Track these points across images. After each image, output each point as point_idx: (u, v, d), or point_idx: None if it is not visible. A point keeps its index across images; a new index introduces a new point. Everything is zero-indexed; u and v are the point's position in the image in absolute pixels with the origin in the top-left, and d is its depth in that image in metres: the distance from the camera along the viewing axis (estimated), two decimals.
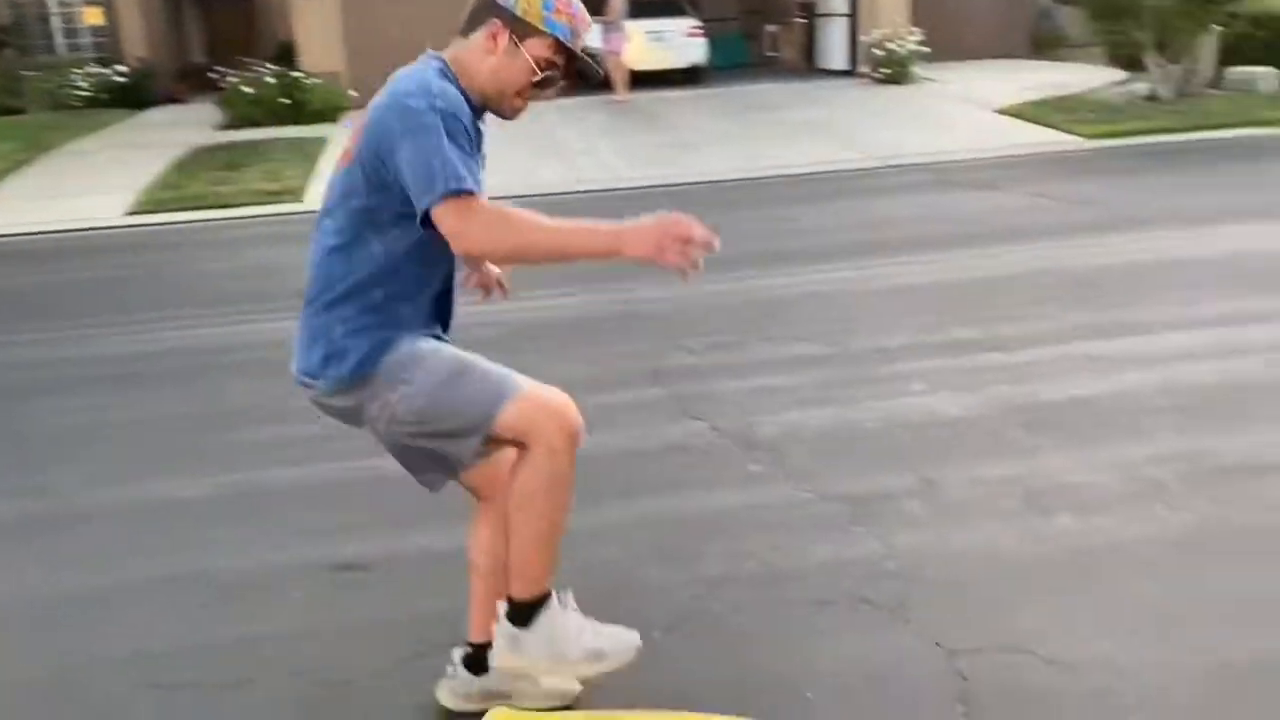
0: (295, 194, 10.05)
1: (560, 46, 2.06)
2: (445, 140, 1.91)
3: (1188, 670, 2.50)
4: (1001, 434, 4.02)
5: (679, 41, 17.15)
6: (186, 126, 14.91)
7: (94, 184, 11.25)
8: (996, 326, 5.31)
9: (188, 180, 11.02)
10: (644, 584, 3.07)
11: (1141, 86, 13.46)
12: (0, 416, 4.90)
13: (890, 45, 15.90)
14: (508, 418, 2.03)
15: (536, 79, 2.06)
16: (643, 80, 16.65)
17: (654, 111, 14.71)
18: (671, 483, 3.76)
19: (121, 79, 18.23)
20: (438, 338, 2.21)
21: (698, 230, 1.92)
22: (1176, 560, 3.06)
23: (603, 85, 16.33)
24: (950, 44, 17.66)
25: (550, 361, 4.97)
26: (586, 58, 2.10)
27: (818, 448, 3.95)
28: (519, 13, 2.03)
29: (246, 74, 14.89)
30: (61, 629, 3.00)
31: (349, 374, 2.10)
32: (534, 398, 2.05)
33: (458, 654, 2.45)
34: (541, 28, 2.03)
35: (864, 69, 16.69)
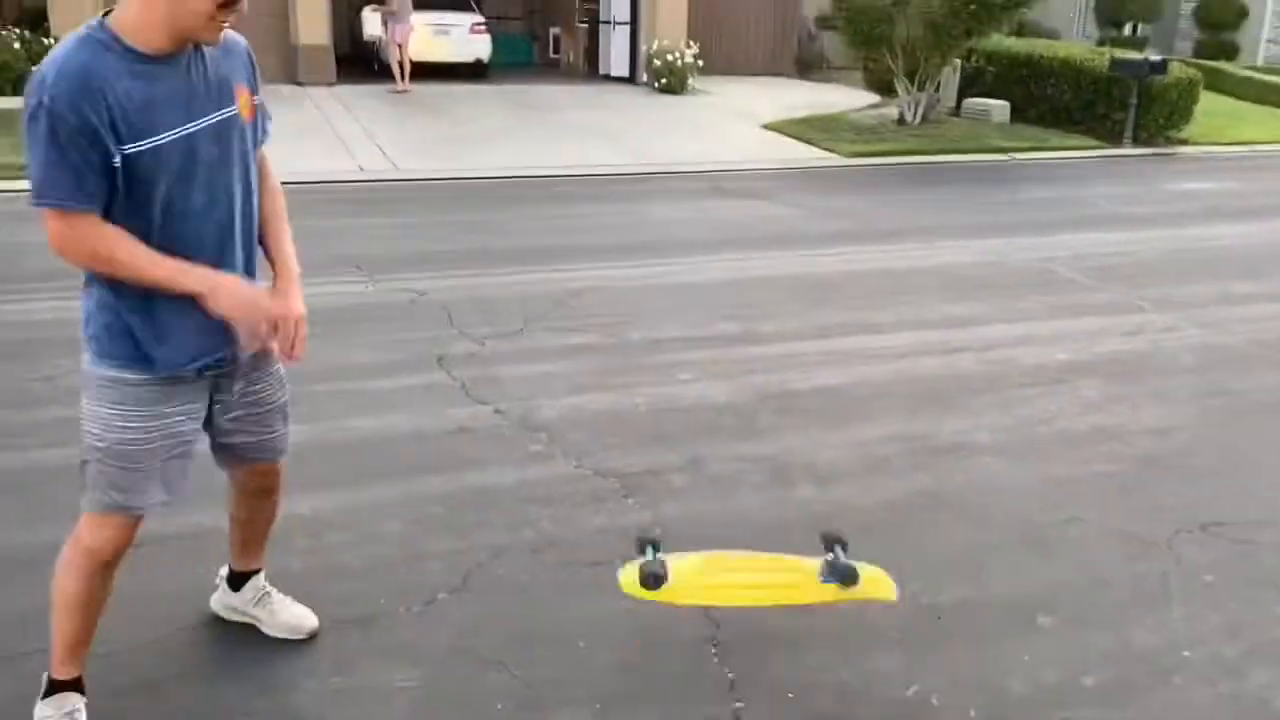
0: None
1: None
2: (47, 147, 1.92)
3: (904, 612, 2.96)
4: (756, 418, 4.48)
5: (463, 36, 17.22)
6: None
7: None
8: (756, 323, 5.81)
9: None
10: (430, 552, 3.27)
11: (892, 110, 14.69)
12: None
13: (669, 56, 16.58)
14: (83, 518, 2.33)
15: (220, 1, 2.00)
16: (426, 73, 16.62)
17: (436, 105, 14.71)
18: (456, 462, 3.97)
19: None
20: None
21: (287, 332, 2.23)
22: (897, 523, 3.57)
23: (385, 74, 16.31)
24: (724, 59, 18.62)
25: (337, 347, 5.09)
26: None
27: (594, 429, 4.26)
28: None
29: None
30: None
31: None
32: (88, 526, 2.31)
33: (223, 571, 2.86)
34: None
35: (643, 77, 17.31)
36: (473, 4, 18.26)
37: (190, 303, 2.12)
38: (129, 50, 1.99)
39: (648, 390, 4.70)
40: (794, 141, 13.12)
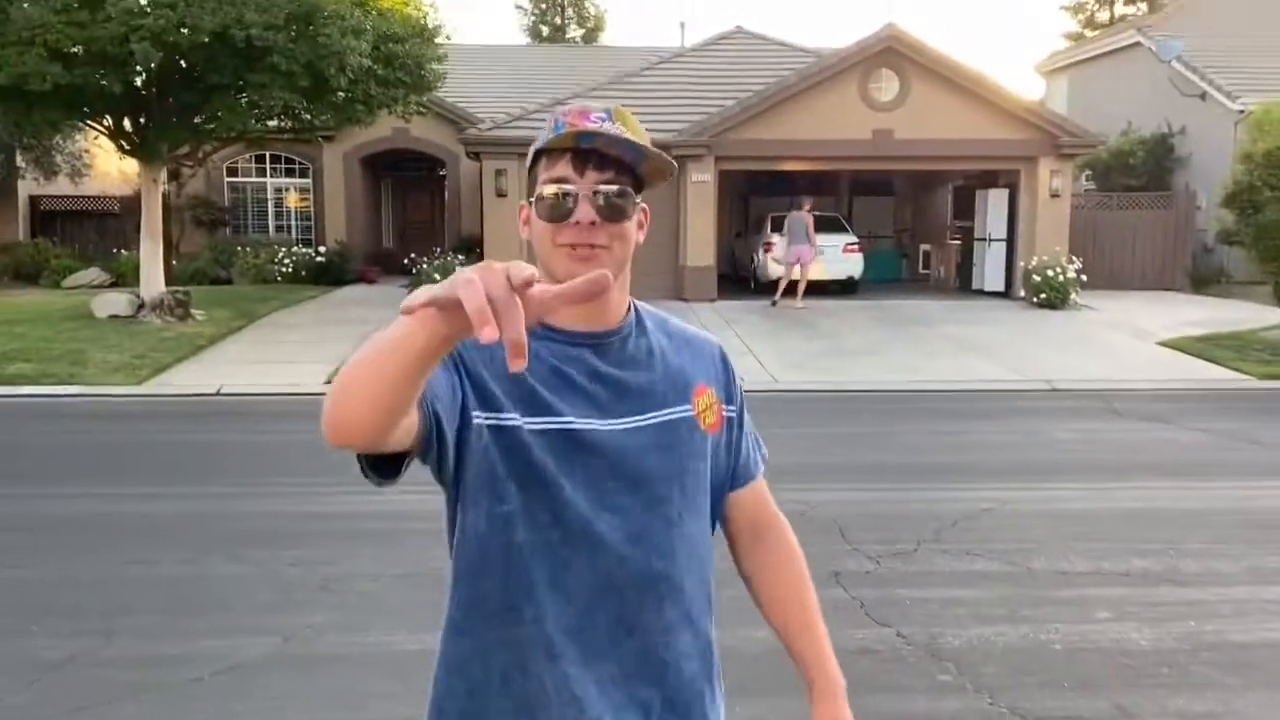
0: None
1: (557, 154, 1.45)
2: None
3: None
4: (1191, 669, 4.06)
5: (836, 256, 17.92)
6: (377, 306, 16.19)
7: (297, 353, 12.33)
8: (1176, 561, 5.34)
9: None
10: None
11: None
12: (240, 561, 5.41)
13: (1049, 271, 16.24)
14: None
15: (547, 200, 1.43)
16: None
17: (809, 320, 15.26)
18: (860, 685, 3.91)
19: (320, 259, 20.04)
20: None
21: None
22: None
23: (761, 291, 17.29)
24: (1107, 274, 17.96)
25: (726, 556, 5.26)
26: (604, 131, 1.43)
27: (1006, 664, 4.06)
28: (528, 175, 1.52)
29: (436, 262, 16.22)
30: None
31: None
32: None
33: None
34: (531, 163, 1.50)
35: (1020, 292, 17.03)
36: (845, 225, 19.05)
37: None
38: (554, 332, 1.48)
39: (1061, 626, 4.43)
40: (1195, 360, 12.20)
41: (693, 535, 1.52)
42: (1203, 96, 19.93)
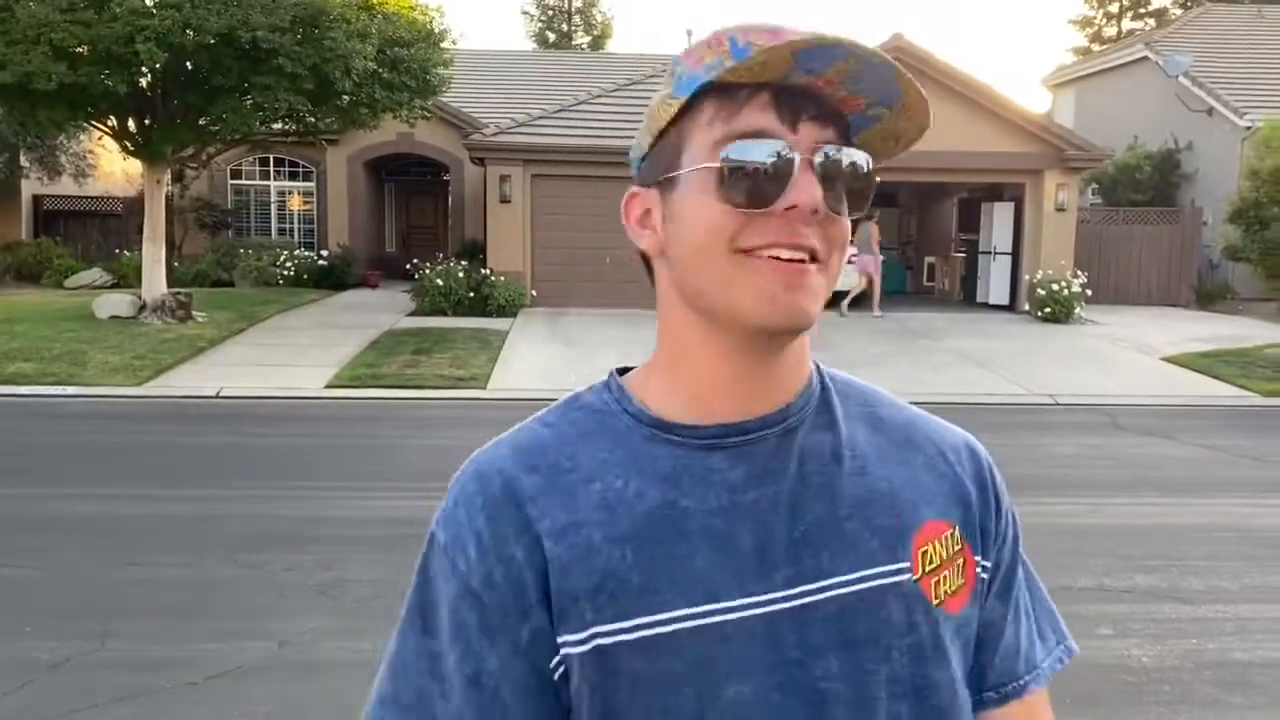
0: (479, 381, 10.80)
1: (732, 95, 0.83)
2: (407, 623, 0.89)
3: None
4: (1194, 688, 4.02)
5: (841, 268, 17.87)
6: (379, 310, 16.18)
7: (298, 357, 12.30)
8: (1179, 579, 5.30)
9: (382, 360, 11.95)
10: None
11: None
12: (235, 565, 5.38)
13: (1053, 285, 16.22)
14: None
15: (745, 168, 0.81)
16: None
17: (812, 331, 15.20)
18: None
19: (323, 262, 20.03)
20: None
21: None
22: None
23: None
24: (1112, 288, 17.94)
25: None
26: (863, 47, 0.80)
27: None
28: (646, 149, 0.92)
29: (438, 267, 16.21)
30: None
31: None
32: None
33: None
34: (675, 108, 0.87)
35: (1024, 306, 17.00)
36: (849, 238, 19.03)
37: None
38: (643, 422, 0.88)
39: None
40: (1199, 376, 12.16)
41: None
42: (1209, 112, 19.92)
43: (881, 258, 17.10)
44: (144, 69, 12.49)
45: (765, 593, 0.81)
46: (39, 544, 5.62)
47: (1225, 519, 6.50)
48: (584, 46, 40.32)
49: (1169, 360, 13.00)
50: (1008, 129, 17.04)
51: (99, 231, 21.85)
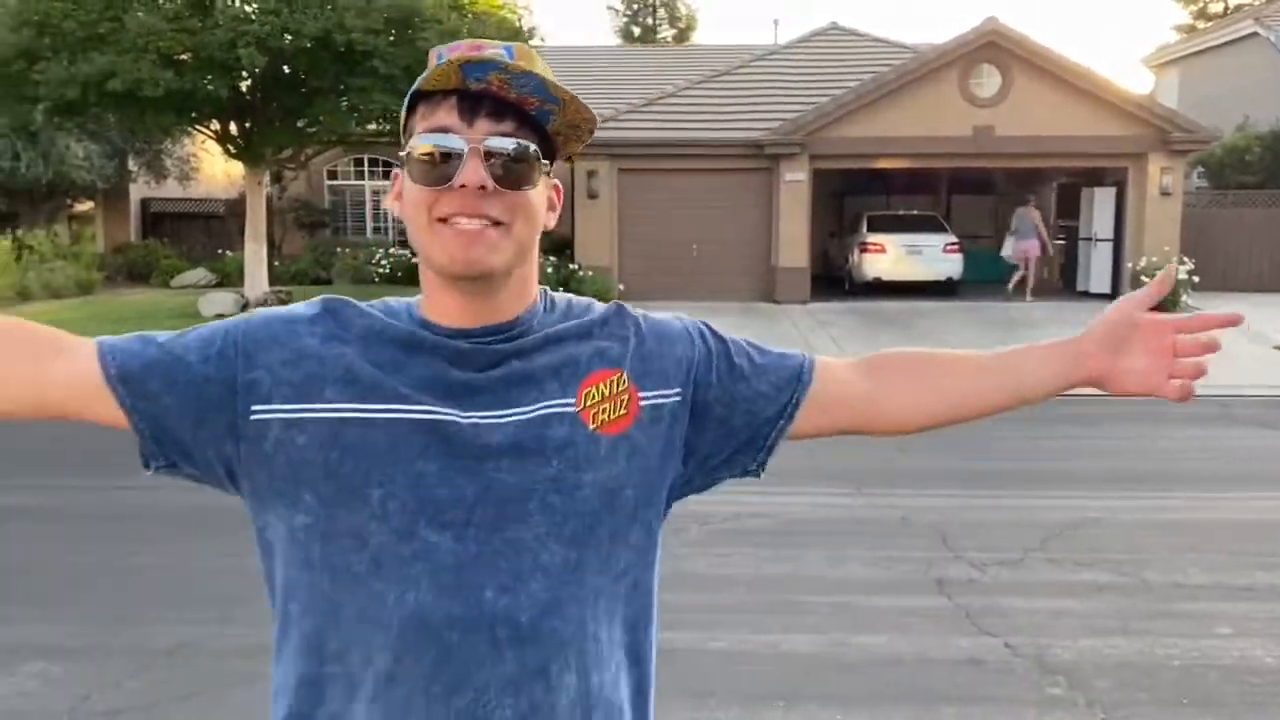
0: None
1: (438, 99, 1.10)
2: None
3: None
4: None
5: (936, 255, 17.57)
6: None
7: None
8: None
9: None
10: None
11: None
12: None
13: (1158, 272, 15.64)
14: None
15: (421, 158, 1.09)
16: (896, 290, 17.14)
17: (905, 321, 14.98)
18: (968, 695, 3.80)
19: (415, 260, 20.30)
20: None
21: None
22: None
23: (856, 293, 17.11)
24: (1220, 275, 17.23)
25: (831, 559, 5.19)
26: (505, 62, 1.06)
27: (1120, 679, 3.90)
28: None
29: None
30: None
31: None
32: None
33: None
34: (406, 114, 1.15)
35: (1127, 294, 16.46)
36: (944, 225, 18.67)
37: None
38: (411, 317, 1.19)
39: (1178, 642, 4.23)
40: None
41: (563, 566, 1.10)
42: None
43: (1035, 243, 17.06)
44: (244, 73, 12.88)
45: (465, 411, 1.11)
46: (155, 533, 5.83)
47: None
48: (669, 40, 40.27)
49: None
50: (1108, 111, 16.50)
51: (202, 232, 22.61)
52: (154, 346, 1.18)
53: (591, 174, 16.97)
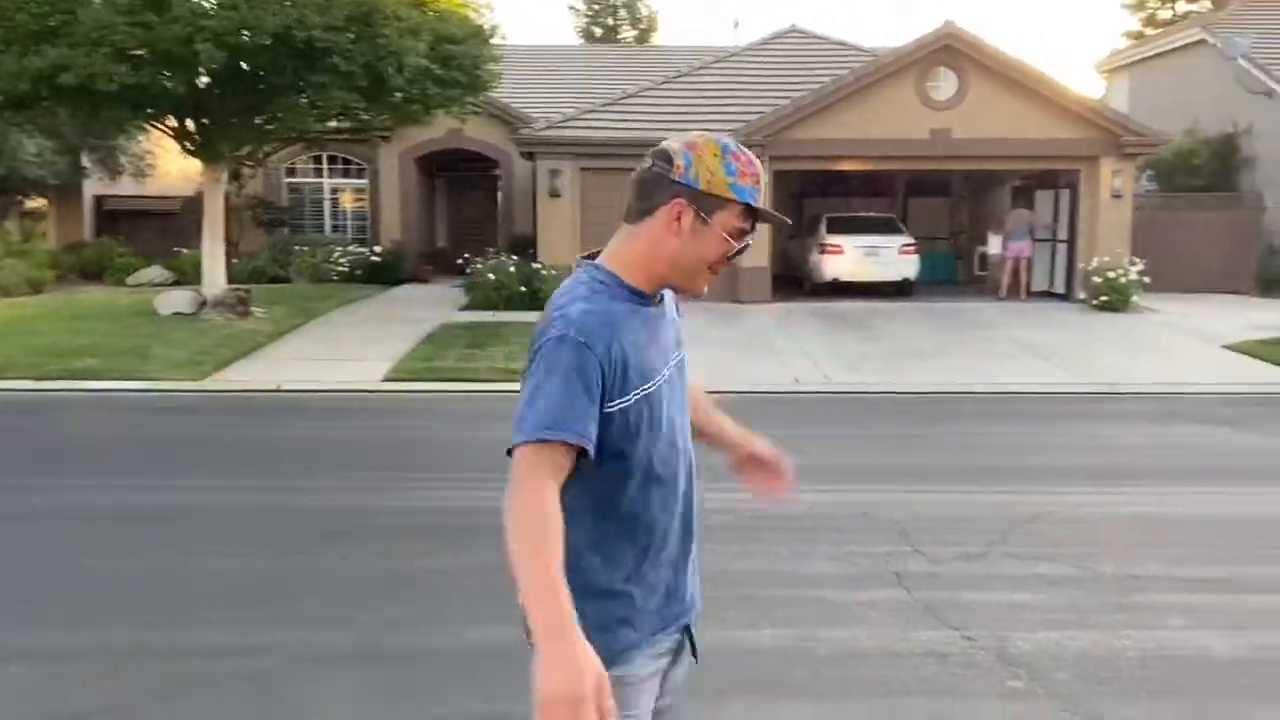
0: None
1: (749, 210, 1.85)
2: (565, 381, 1.71)
3: None
4: (1274, 679, 3.96)
5: (892, 257, 17.76)
6: (432, 305, 16.34)
7: (356, 351, 12.46)
8: (1249, 568, 5.21)
9: (438, 353, 12.08)
10: None
11: None
12: (308, 556, 5.48)
13: (1110, 273, 15.96)
14: None
15: (732, 252, 1.86)
16: (854, 291, 17.31)
17: (863, 321, 15.13)
18: (929, 688, 3.87)
19: (376, 258, 20.27)
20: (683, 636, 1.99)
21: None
22: None
23: (815, 293, 17.22)
24: (1170, 276, 17.56)
25: (795, 554, 5.24)
26: (775, 214, 1.93)
27: (1079, 670, 3.99)
28: (702, 186, 1.81)
29: (489, 262, 16.33)
30: None
31: None
32: None
33: None
34: (729, 196, 1.82)
35: (1080, 294, 16.76)
36: (901, 226, 18.89)
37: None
38: (632, 292, 1.86)
39: (1134, 633, 4.34)
40: (1264, 364, 11.91)
41: None
42: (1270, 94, 19.45)
43: (1026, 245, 17.68)
44: (202, 69, 12.70)
45: (663, 367, 1.90)
46: (109, 534, 5.76)
47: None
48: (630, 40, 40.30)
49: (1230, 348, 12.74)
50: (1061, 115, 16.79)
51: (158, 230, 22.27)
52: None
53: (554, 173, 16.97)
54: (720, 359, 11.88)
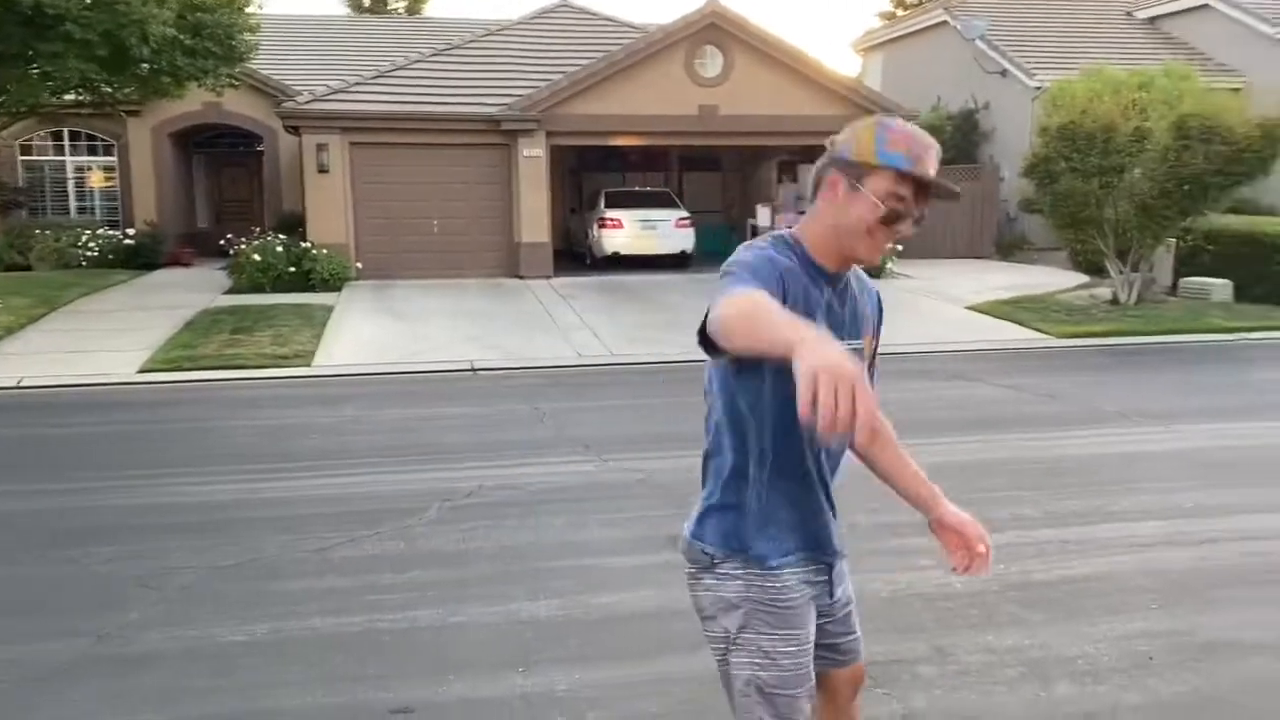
0: (304, 358, 10.47)
1: (903, 176, 1.97)
2: (748, 274, 1.92)
3: None
4: (1000, 608, 4.36)
5: (669, 230, 18.17)
6: (193, 289, 15.44)
7: (106, 341, 11.62)
8: (986, 509, 5.67)
9: (199, 340, 11.43)
10: None
11: (1104, 291, 14.36)
12: (48, 562, 5.09)
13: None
14: None
15: (882, 214, 1.97)
16: (634, 264, 17.62)
17: (643, 294, 15.44)
18: (700, 643, 4.02)
19: (129, 241, 18.92)
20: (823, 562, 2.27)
21: (859, 401, 1.54)
22: None
23: (596, 267, 17.37)
24: (921, 243, 18.78)
25: (571, 524, 5.32)
26: (942, 182, 2.01)
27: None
28: (852, 156, 2.01)
29: (255, 242, 15.57)
30: None
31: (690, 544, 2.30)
32: None
33: None
34: (876, 162, 1.98)
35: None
36: (677, 201, 19.36)
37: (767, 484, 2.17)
38: (811, 263, 2.05)
39: (888, 576, 4.67)
40: (1002, 322, 13.00)
41: None
42: (1003, 74, 21.10)
43: (796, 215, 18.19)
44: None
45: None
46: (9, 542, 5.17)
47: (1025, 452, 7.01)
48: (400, 11, 39.17)
49: (973, 309, 13.83)
50: (820, 92, 17.62)
51: None
52: None
53: (321, 147, 16.33)
54: (504, 334, 11.84)
